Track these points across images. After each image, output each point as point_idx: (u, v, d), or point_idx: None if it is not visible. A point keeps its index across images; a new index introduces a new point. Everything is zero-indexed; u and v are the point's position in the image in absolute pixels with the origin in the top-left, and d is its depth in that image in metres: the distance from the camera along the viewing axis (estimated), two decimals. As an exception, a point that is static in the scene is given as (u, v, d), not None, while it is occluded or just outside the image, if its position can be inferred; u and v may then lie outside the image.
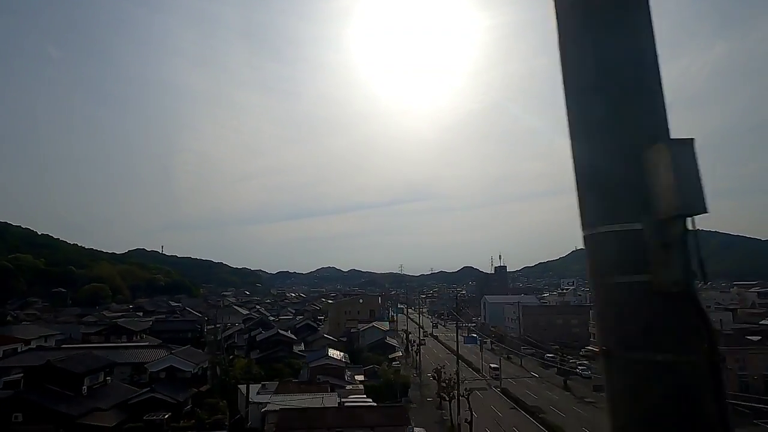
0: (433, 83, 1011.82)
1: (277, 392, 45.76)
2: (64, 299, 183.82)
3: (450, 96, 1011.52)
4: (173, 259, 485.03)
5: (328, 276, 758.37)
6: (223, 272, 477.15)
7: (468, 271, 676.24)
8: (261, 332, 71.76)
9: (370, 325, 76.04)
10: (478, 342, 65.76)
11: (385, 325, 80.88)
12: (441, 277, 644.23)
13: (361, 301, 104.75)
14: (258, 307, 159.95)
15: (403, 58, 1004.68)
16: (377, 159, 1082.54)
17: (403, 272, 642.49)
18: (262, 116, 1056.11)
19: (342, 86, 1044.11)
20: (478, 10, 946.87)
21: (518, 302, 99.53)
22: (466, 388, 42.65)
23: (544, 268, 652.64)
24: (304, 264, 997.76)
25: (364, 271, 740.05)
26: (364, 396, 47.02)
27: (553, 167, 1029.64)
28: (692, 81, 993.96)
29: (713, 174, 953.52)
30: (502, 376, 66.10)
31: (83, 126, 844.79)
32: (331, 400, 41.21)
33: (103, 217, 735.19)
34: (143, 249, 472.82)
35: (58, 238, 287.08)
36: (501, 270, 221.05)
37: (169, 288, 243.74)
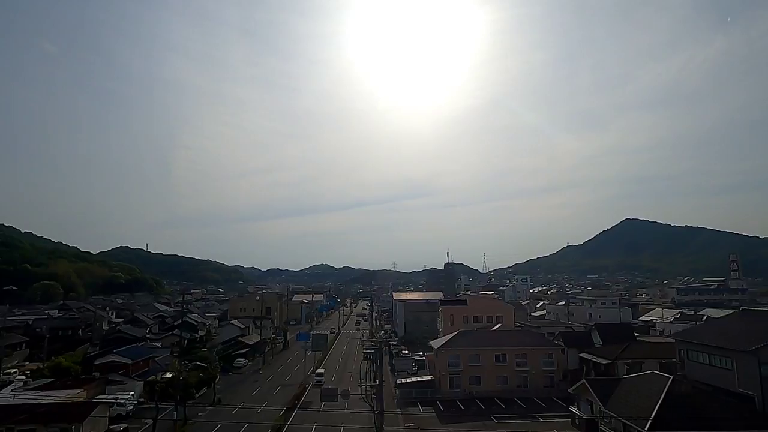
0: (432, 79, 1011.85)
1: (48, 388, 47.67)
2: (15, 297, 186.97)
3: (449, 91, 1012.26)
4: (158, 257, 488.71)
5: (319, 273, 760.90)
6: (206, 270, 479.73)
7: (458, 268, 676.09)
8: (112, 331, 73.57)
9: (227, 322, 77.57)
10: (310, 341, 67.33)
11: (243, 323, 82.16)
12: (433, 273, 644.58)
13: (257, 298, 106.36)
14: (190, 305, 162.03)
15: (402, 54, 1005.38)
16: (374, 156, 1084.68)
17: (396, 269, 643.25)
18: (260, 113, 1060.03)
19: (341, 82, 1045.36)
20: (477, 5, 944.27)
21: (403, 300, 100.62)
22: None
23: (533, 264, 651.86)
24: (300, 261, 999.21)
25: (357, 267, 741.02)
26: (131, 393, 48.77)
27: (550, 163, 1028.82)
28: (692, 76, 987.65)
29: (705, 171, 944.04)
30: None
31: (73, 123, 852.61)
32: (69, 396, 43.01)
33: (93, 215, 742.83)
34: (127, 247, 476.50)
35: (19, 235, 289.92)
36: (450, 267, 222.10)
37: (130, 286, 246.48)
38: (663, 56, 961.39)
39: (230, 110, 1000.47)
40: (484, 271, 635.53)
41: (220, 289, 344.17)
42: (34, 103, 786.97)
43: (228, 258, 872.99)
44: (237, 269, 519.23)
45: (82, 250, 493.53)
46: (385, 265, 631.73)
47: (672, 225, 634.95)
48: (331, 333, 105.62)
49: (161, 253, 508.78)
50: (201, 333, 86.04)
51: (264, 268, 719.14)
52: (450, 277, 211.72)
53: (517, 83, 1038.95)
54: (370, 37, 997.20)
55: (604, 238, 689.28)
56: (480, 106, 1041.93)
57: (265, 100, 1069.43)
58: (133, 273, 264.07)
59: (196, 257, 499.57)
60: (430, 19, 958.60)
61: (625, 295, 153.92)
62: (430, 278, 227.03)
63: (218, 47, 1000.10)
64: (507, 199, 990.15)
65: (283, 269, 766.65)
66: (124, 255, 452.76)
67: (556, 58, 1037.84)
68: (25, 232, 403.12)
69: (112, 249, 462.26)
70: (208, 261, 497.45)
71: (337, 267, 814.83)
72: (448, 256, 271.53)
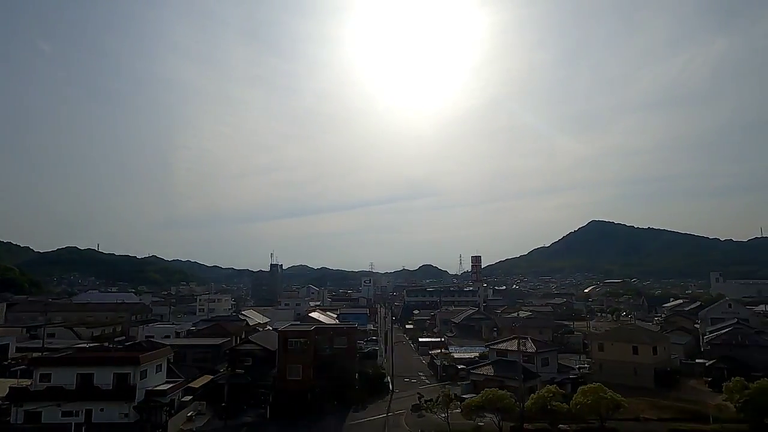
0: (433, 79, 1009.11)
1: None
2: None
3: (449, 92, 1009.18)
4: (110, 258, 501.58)
5: (293, 273, 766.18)
6: (150, 270, 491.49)
7: (427, 269, 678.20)
8: None
9: None
10: None
11: None
12: (405, 274, 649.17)
13: None
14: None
15: (403, 55, 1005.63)
16: (374, 157, 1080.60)
17: (373, 270, 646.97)
18: (261, 113, 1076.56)
19: (341, 83, 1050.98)
20: (478, 6, 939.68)
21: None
22: None
23: (501, 266, 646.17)
24: (288, 261, 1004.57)
25: (334, 269, 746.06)
26: None
27: (548, 164, 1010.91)
28: (692, 77, 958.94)
29: (703, 173, 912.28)
30: None
31: (70, 122, 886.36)
32: None
33: (85, 216, 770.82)
34: (75, 247, 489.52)
35: None
36: (274, 268, 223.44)
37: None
38: (663, 57, 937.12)
39: (231, 110, 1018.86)
40: (453, 273, 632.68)
41: (132, 291, 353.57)
42: (31, 103, 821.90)
43: (209, 258, 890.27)
44: (182, 269, 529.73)
45: (34, 250, 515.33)
46: (363, 266, 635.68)
47: (635, 227, 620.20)
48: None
49: (113, 254, 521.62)
50: None
51: (237, 268, 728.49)
52: (274, 279, 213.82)
53: (517, 84, 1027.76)
54: (371, 38, 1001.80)
55: (571, 239, 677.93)
56: (480, 107, 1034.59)
57: (265, 100, 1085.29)
58: (8, 274, 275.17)
59: (144, 257, 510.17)
60: (431, 20, 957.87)
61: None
62: (253, 281, 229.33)
63: (219, 47, 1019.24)
64: (503, 201, 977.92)
65: (255, 270, 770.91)
66: (67, 255, 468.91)
67: (557, 59, 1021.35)
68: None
69: (58, 249, 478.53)
70: (153, 261, 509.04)
71: (315, 267, 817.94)
72: (271, 257, 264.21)
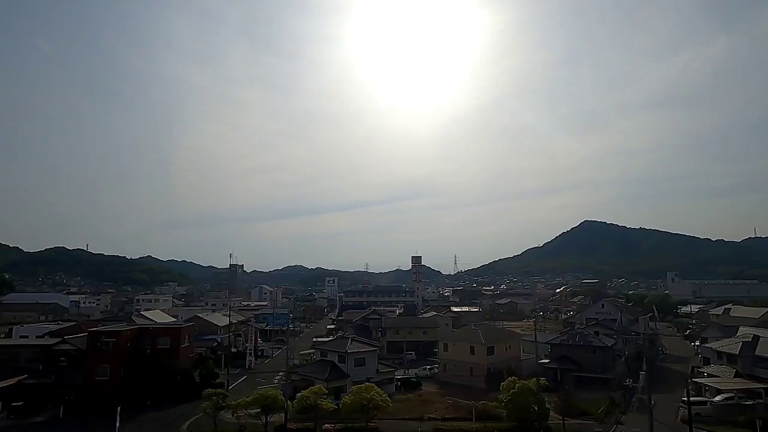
0: (433, 79, 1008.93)
1: None
2: None
3: (449, 92, 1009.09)
4: (99, 258, 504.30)
5: (287, 274, 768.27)
6: (137, 270, 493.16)
7: (420, 269, 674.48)
8: None
9: None
10: None
11: None
12: (399, 274, 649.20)
13: None
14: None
15: (403, 54, 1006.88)
16: (374, 157, 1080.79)
17: (369, 270, 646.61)
18: (260, 113, 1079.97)
19: (341, 82, 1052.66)
20: (478, 6, 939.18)
21: None
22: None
23: (494, 266, 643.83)
24: (280, 261, 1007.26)
25: (330, 269, 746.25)
26: None
27: (549, 164, 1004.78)
28: (693, 77, 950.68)
29: (704, 173, 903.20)
30: None
31: (69, 122, 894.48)
32: None
33: (84, 217, 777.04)
34: (63, 248, 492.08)
35: None
36: (234, 268, 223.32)
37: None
38: (664, 56, 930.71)
39: (229, 110, 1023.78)
40: (447, 273, 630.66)
41: (112, 290, 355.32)
42: (30, 102, 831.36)
43: (208, 258, 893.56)
44: (170, 269, 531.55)
45: (24, 250, 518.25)
46: (359, 266, 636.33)
47: (627, 227, 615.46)
48: None
49: (103, 254, 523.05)
50: None
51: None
52: (233, 278, 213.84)
53: (517, 84, 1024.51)
54: (371, 37, 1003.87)
55: (563, 239, 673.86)
56: (480, 107, 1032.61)
57: (264, 99, 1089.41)
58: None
59: (134, 258, 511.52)
60: (431, 19, 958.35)
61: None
62: (213, 278, 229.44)
63: (218, 46, 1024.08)
64: (502, 201, 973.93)
65: (249, 271, 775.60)
66: (54, 255, 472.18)
67: (557, 59, 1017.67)
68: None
69: (45, 249, 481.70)
70: (144, 261, 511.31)
71: (311, 267, 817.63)
72: (230, 257, 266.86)
